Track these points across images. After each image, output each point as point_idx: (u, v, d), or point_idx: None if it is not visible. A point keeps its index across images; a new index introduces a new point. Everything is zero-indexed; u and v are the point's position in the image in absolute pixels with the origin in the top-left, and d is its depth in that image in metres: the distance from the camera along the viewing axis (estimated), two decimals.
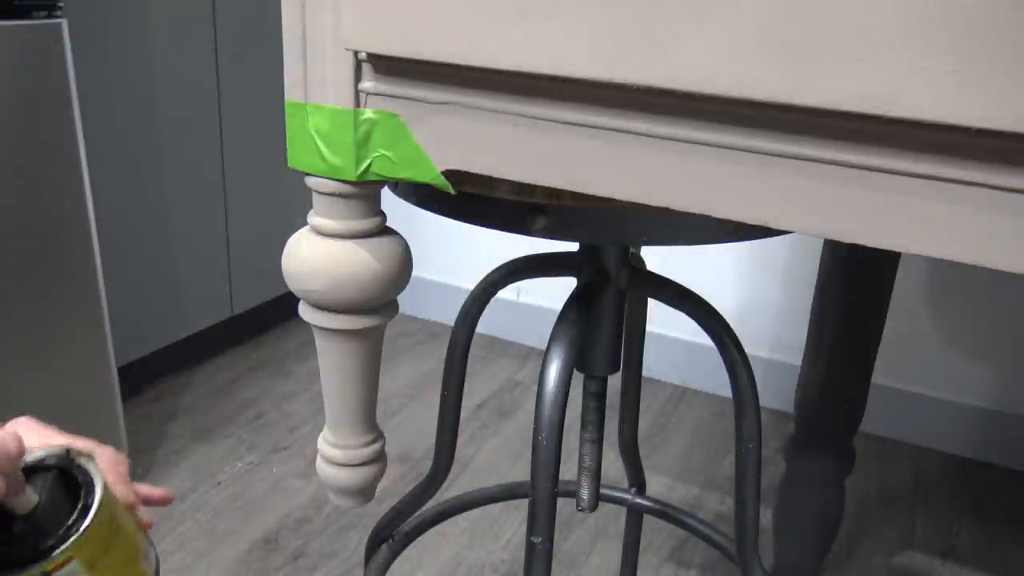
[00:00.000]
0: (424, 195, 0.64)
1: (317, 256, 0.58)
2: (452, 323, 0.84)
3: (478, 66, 0.48)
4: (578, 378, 0.73)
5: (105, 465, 0.44)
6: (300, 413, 1.74)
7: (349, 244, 0.57)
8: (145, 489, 0.48)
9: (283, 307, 2.00)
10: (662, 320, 1.61)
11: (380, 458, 0.68)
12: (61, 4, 1.22)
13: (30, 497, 0.39)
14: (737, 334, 0.74)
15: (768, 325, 1.83)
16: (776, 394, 1.73)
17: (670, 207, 0.47)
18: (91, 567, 0.40)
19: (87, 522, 0.39)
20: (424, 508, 0.94)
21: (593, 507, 0.89)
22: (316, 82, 0.54)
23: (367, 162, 0.55)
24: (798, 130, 0.42)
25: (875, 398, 1.20)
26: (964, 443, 1.70)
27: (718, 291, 1.77)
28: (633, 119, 0.46)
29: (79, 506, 0.40)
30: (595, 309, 0.75)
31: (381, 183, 0.57)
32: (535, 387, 0.76)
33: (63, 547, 0.38)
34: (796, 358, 1.20)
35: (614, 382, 0.89)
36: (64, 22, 1.22)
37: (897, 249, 0.42)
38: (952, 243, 0.40)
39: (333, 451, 0.66)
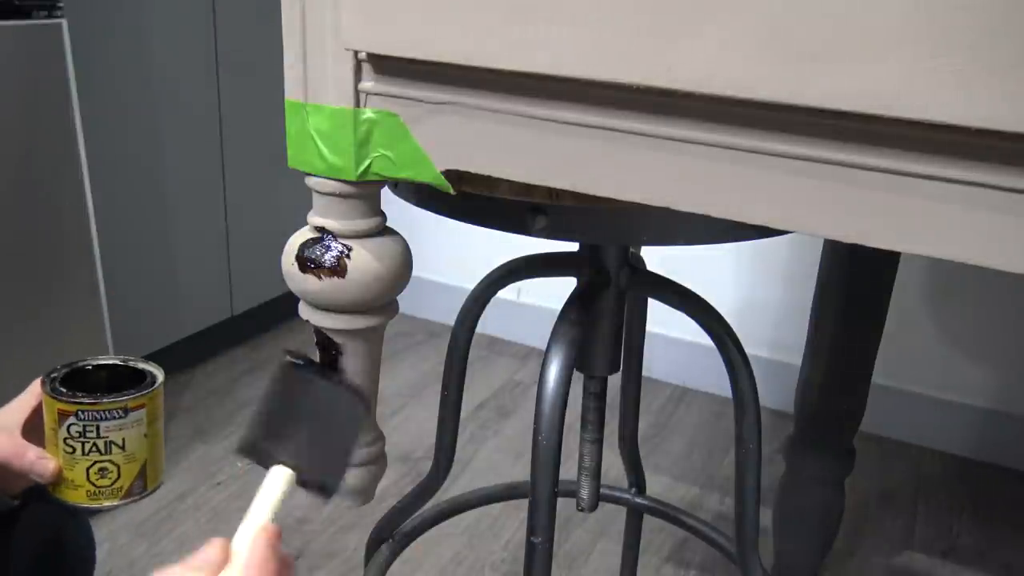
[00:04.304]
0: (424, 195, 0.64)
1: None
2: (452, 323, 0.84)
3: (478, 66, 0.48)
4: (578, 378, 0.73)
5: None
6: None
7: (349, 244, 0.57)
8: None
9: (283, 307, 2.00)
10: (662, 320, 1.61)
11: (380, 458, 0.68)
12: (61, 4, 1.22)
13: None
14: (737, 334, 0.74)
15: (768, 325, 1.83)
16: (776, 394, 1.73)
17: (670, 207, 0.47)
18: (150, 421, 0.59)
19: (156, 385, 0.59)
20: (424, 508, 0.94)
21: (593, 507, 0.89)
22: (316, 82, 0.54)
23: (367, 162, 0.55)
24: (798, 130, 0.42)
25: (875, 398, 1.20)
26: (964, 443, 1.70)
27: (718, 291, 1.77)
28: (633, 119, 0.46)
29: (148, 379, 0.60)
30: (595, 309, 0.75)
31: (381, 183, 0.57)
32: (535, 387, 0.76)
33: (141, 393, 0.58)
34: (796, 358, 1.20)
35: (614, 382, 0.89)
36: (64, 22, 1.22)
37: (897, 249, 0.42)
38: (952, 243, 0.40)
39: None
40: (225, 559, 0.47)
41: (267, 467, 0.52)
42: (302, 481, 0.52)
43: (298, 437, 0.53)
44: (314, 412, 0.55)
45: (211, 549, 0.47)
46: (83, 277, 1.32)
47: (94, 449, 0.57)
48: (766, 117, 0.42)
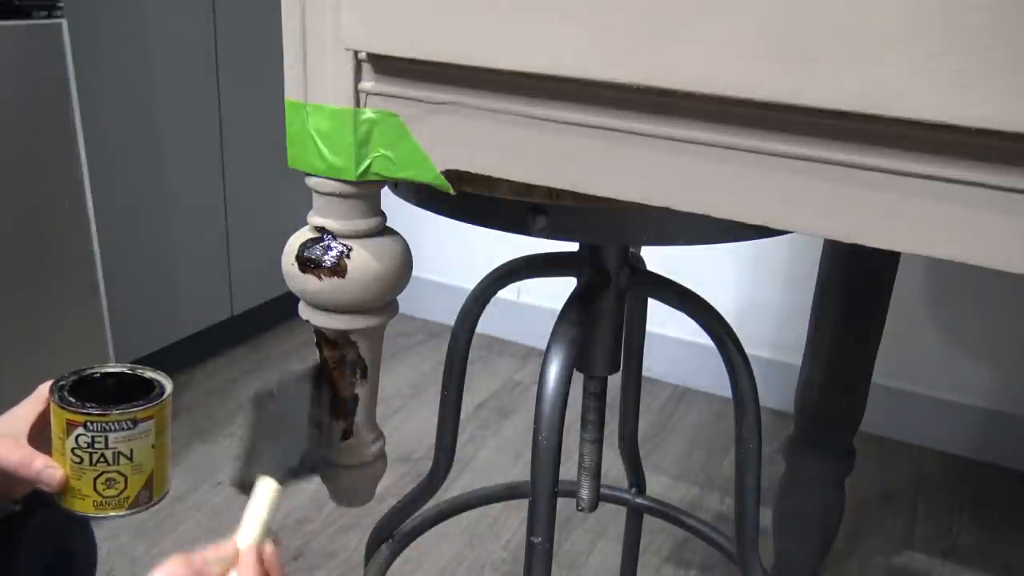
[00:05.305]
0: (424, 195, 0.64)
1: None
2: (452, 323, 0.84)
3: (478, 66, 0.48)
4: (578, 378, 0.73)
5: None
6: None
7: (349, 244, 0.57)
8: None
9: (283, 307, 2.00)
10: (662, 320, 1.61)
11: (380, 458, 0.68)
12: (61, 4, 1.22)
13: None
14: (737, 334, 0.74)
15: (768, 325, 1.83)
16: (776, 394, 1.73)
17: (670, 207, 0.47)
18: (158, 432, 0.58)
19: (164, 396, 0.59)
20: (424, 508, 0.94)
21: (593, 507, 0.89)
22: (316, 82, 0.54)
23: (367, 162, 0.55)
24: (798, 130, 0.42)
25: (875, 398, 1.20)
26: (964, 443, 1.70)
27: (718, 291, 1.77)
28: (633, 119, 0.46)
29: (156, 390, 0.59)
30: (595, 309, 0.75)
31: (381, 183, 0.57)
32: (535, 387, 0.76)
33: (150, 405, 0.57)
34: (796, 358, 1.20)
35: (614, 382, 0.89)
36: (64, 22, 1.22)
37: (897, 249, 0.42)
38: (952, 243, 0.40)
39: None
40: (235, 560, 0.50)
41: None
42: (286, 479, 0.55)
43: (271, 447, 0.56)
44: (276, 419, 0.58)
45: (226, 547, 0.50)
46: (83, 277, 1.32)
47: (102, 460, 0.57)
48: (766, 117, 0.42)
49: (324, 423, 0.60)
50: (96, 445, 0.56)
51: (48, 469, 0.57)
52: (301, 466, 0.57)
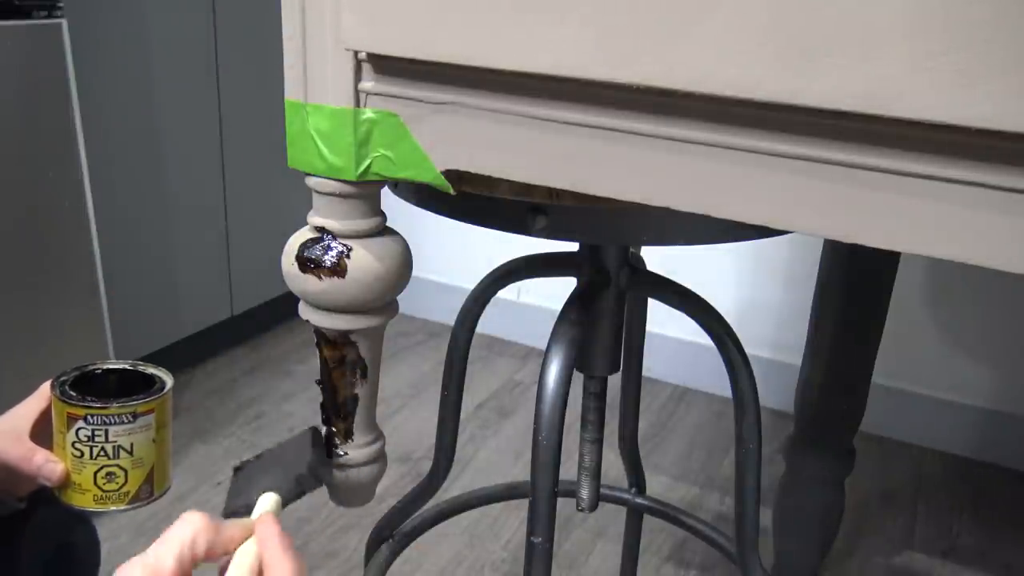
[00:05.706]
0: (424, 195, 0.64)
1: None
2: (452, 323, 0.84)
3: (478, 66, 0.48)
4: (578, 378, 0.73)
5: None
6: (300, 413, 1.74)
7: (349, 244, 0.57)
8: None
9: (283, 307, 2.00)
10: (662, 320, 1.61)
11: (380, 458, 0.68)
12: (61, 4, 1.22)
13: None
14: (737, 334, 0.74)
15: (768, 325, 1.83)
16: (776, 394, 1.73)
17: (670, 207, 0.47)
18: (159, 427, 0.58)
19: (165, 391, 0.59)
20: (424, 508, 0.94)
21: (593, 507, 0.89)
22: (316, 82, 0.54)
23: (367, 162, 0.55)
24: (798, 130, 0.42)
25: (875, 398, 1.20)
26: (964, 443, 1.70)
27: (718, 291, 1.77)
28: (633, 119, 0.46)
29: (157, 385, 0.60)
30: (595, 309, 0.75)
31: (381, 183, 0.57)
32: (535, 387, 0.76)
33: (151, 398, 0.58)
34: (796, 358, 1.20)
35: (614, 382, 0.89)
36: (64, 22, 1.22)
37: (897, 249, 0.42)
38: (952, 243, 0.40)
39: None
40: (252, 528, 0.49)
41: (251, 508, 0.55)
42: (291, 494, 0.56)
43: (267, 473, 0.58)
44: (269, 459, 0.61)
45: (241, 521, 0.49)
46: (83, 277, 1.32)
47: (102, 454, 0.57)
48: (766, 117, 0.42)
49: (322, 449, 0.63)
50: (96, 439, 0.56)
51: (49, 464, 0.57)
52: (308, 474, 0.57)
